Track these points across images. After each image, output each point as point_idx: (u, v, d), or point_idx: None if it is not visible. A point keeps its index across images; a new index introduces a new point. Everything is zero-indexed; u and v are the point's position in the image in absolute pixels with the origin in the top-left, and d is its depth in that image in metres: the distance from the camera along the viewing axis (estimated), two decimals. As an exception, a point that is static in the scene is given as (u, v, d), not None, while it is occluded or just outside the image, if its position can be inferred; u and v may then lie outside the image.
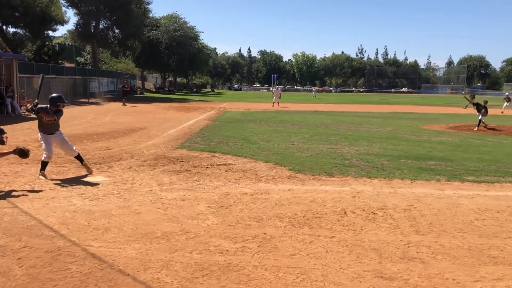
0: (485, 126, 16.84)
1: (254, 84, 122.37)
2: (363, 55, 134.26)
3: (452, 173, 7.91)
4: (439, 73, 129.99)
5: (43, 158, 7.17)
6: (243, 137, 12.62)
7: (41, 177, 6.97)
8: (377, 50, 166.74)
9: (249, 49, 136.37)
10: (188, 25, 61.58)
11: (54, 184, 6.67)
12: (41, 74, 8.53)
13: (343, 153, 9.95)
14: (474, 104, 16.91)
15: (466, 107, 33.43)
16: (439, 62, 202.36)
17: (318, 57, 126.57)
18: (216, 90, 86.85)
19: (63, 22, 41.82)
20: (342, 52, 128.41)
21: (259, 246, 4.31)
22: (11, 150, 6.68)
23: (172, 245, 4.28)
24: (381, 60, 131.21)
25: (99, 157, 8.90)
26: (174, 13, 62.54)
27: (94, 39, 44.48)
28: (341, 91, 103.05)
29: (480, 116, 16.55)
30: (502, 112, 28.06)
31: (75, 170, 7.72)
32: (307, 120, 19.88)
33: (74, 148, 7.59)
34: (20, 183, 6.66)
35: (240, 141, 11.73)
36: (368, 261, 3.99)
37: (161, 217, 5.14)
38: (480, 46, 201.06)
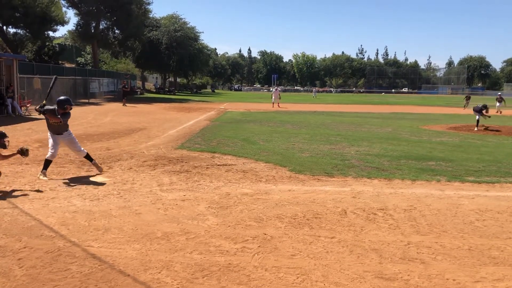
0: (483, 126, 16.83)
1: (254, 84, 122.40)
2: (363, 55, 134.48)
3: (452, 174, 7.91)
4: (439, 74, 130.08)
5: (47, 156, 7.18)
6: (243, 137, 12.62)
7: (41, 177, 6.97)
8: (377, 50, 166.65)
9: (249, 49, 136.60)
10: (188, 25, 61.60)
11: (54, 184, 6.67)
12: (54, 76, 8.55)
13: (343, 154, 9.95)
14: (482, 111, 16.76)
15: (465, 108, 33.57)
16: (440, 63, 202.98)
17: (318, 58, 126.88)
18: (216, 91, 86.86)
19: (63, 22, 41.89)
20: (342, 52, 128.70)
21: (259, 246, 4.31)
22: (15, 152, 6.73)
23: (172, 246, 4.27)
24: (381, 60, 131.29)
25: (99, 157, 8.89)
26: (175, 14, 62.61)
27: (94, 39, 44.51)
28: (341, 92, 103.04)
29: (477, 116, 16.55)
30: (499, 112, 27.96)
31: (75, 171, 7.72)
32: (307, 120, 19.88)
33: (82, 148, 7.61)
34: (20, 184, 6.66)
35: (241, 141, 11.73)
36: (369, 262, 3.99)
37: (161, 218, 5.13)
38: (480, 47, 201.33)
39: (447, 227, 5.00)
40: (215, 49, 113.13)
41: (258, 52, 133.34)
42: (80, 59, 58.46)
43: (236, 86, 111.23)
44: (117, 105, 29.01)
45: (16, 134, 12.40)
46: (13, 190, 6.26)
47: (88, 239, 4.40)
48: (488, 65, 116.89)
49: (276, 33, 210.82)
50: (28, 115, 19.60)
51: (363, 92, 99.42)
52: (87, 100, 31.56)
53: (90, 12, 42.72)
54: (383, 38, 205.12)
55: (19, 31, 39.93)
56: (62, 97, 7.38)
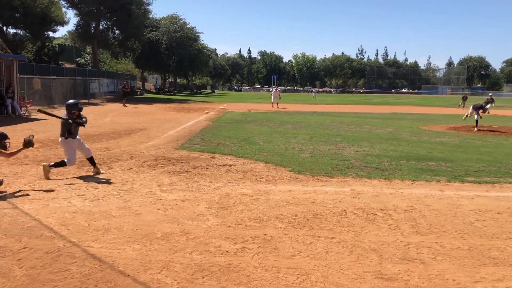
0: (483, 126, 16.83)
1: (254, 85, 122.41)
2: (363, 56, 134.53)
3: (452, 174, 7.91)
4: (439, 74, 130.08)
5: (66, 161, 7.22)
6: (243, 138, 12.62)
7: (46, 168, 6.97)
8: (377, 51, 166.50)
9: (249, 50, 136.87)
10: (188, 26, 61.61)
11: (54, 185, 6.67)
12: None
13: (343, 154, 9.95)
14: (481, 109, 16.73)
15: (459, 107, 33.59)
16: (439, 63, 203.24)
17: (318, 58, 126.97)
18: (216, 91, 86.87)
19: (63, 23, 41.88)
20: (342, 53, 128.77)
21: (259, 247, 4.31)
22: (21, 147, 6.77)
23: (172, 246, 4.27)
24: (381, 61, 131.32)
25: (99, 158, 8.89)
26: (174, 14, 62.60)
27: (94, 40, 44.52)
28: (341, 92, 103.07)
29: (476, 116, 16.54)
30: (487, 112, 27.85)
31: (75, 171, 7.72)
32: (307, 120, 19.88)
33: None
34: (20, 184, 6.65)
35: (240, 142, 11.74)
36: (369, 262, 3.99)
37: (161, 218, 5.13)
38: (480, 47, 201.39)
39: (447, 227, 5.00)
40: (215, 49, 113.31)
41: (258, 53, 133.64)
42: (80, 60, 58.47)
43: (236, 87, 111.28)
44: (117, 106, 29.02)
45: (16, 134, 12.39)
46: (13, 191, 6.25)
47: (88, 239, 4.40)
48: (488, 66, 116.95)
49: (276, 34, 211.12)
50: (28, 116, 19.61)
51: (363, 92, 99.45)
52: (87, 101, 31.54)
53: (90, 12, 42.74)
54: (383, 38, 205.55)
55: (19, 31, 39.96)
56: (70, 101, 7.42)
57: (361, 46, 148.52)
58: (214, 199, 5.99)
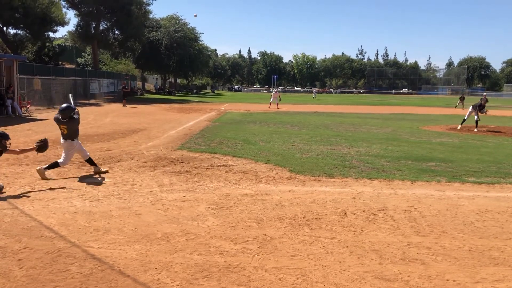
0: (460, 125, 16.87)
1: (255, 85, 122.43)
2: (363, 56, 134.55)
3: (452, 174, 7.91)
4: (439, 74, 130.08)
5: (60, 161, 7.28)
6: (243, 138, 12.62)
7: (41, 171, 7.00)
8: (377, 51, 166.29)
9: (249, 50, 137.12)
10: (188, 26, 61.58)
11: (54, 185, 6.67)
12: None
13: (343, 154, 9.95)
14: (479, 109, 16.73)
15: (462, 108, 33.60)
16: (439, 63, 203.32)
17: (318, 58, 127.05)
18: (216, 91, 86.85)
19: (63, 23, 41.89)
20: (342, 53, 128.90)
21: (259, 247, 4.31)
22: (32, 147, 7.00)
23: (172, 246, 4.27)
24: (381, 61, 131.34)
25: (99, 158, 8.89)
26: (175, 14, 62.59)
27: (95, 40, 44.53)
28: (341, 92, 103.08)
29: (476, 117, 16.55)
30: (486, 113, 27.77)
31: (75, 171, 7.72)
32: (307, 121, 19.88)
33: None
34: (20, 184, 6.65)
35: (241, 142, 11.74)
36: (369, 262, 3.99)
37: (161, 218, 5.13)
38: (480, 47, 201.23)
39: (447, 227, 5.00)
40: (215, 50, 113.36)
41: (258, 53, 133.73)
42: (80, 60, 58.52)
43: (236, 87, 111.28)
44: (117, 106, 29.03)
45: (16, 135, 12.39)
46: (13, 191, 6.25)
47: (88, 240, 4.40)
48: (488, 66, 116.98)
49: (276, 34, 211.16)
50: (28, 116, 19.61)
51: (363, 92, 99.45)
52: (87, 101, 31.56)
53: (90, 13, 42.75)
54: (383, 38, 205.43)
55: (19, 31, 39.96)
56: (63, 105, 7.41)
57: (361, 46, 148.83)
58: (214, 200, 5.99)
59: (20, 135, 12.42)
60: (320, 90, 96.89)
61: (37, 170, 7.07)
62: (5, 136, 6.40)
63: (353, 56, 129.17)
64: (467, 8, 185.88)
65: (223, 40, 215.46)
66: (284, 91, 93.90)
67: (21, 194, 6.12)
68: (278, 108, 30.73)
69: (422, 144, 12.20)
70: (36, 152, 7.09)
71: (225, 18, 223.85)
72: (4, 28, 38.48)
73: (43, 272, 3.66)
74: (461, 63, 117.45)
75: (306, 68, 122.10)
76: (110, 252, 4.10)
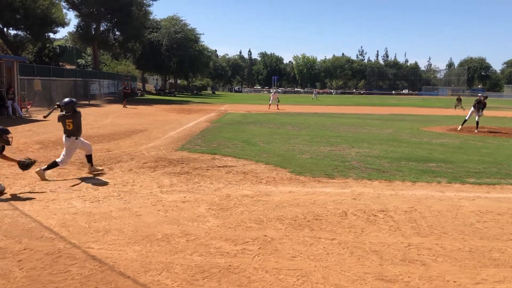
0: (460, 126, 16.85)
1: (255, 86, 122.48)
2: (363, 57, 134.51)
3: (453, 175, 7.90)
4: (440, 75, 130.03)
5: (59, 161, 7.26)
6: (243, 139, 12.62)
7: (40, 173, 7.01)
8: (377, 52, 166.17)
9: (249, 51, 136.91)
10: (188, 27, 61.58)
11: (55, 186, 6.67)
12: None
13: (343, 155, 9.95)
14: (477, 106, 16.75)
15: (456, 108, 33.60)
16: (440, 64, 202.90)
17: (318, 59, 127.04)
18: (216, 92, 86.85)
19: (63, 24, 41.90)
20: (343, 54, 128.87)
21: (259, 248, 4.31)
22: (16, 159, 6.83)
23: (173, 247, 4.27)
24: (381, 62, 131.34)
25: (99, 159, 8.89)
26: (175, 15, 62.59)
27: (95, 41, 44.56)
28: (342, 93, 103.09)
29: (477, 118, 16.54)
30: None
31: (75, 172, 7.72)
32: (308, 122, 19.88)
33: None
34: (21, 185, 6.66)
35: (241, 143, 11.74)
36: (369, 263, 3.98)
37: (161, 219, 5.13)
38: (481, 48, 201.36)
39: (448, 228, 5.00)
40: (216, 50, 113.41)
41: (258, 54, 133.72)
42: (81, 61, 58.53)
43: (236, 88, 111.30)
44: (118, 107, 29.03)
45: (17, 135, 12.39)
46: (14, 192, 6.25)
47: (88, 240, 4.40)
48: (488, 67, 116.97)
49: (276, 35, 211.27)
50: (28, 117, 19.61)
51: (363, 93, 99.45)
52: (87, 102, 31.58)
53: (91, 13, 42.77)
54: (383, 39, 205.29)
55: (19, 32, 39.98)
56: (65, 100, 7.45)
57: (361, 47, 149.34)
58: (214, 200, 5.99)
59: (20, 136, 12.42)
60: (321, 91, 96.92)
61: (36, 172, 7.06)
62: (5, 131, 6.39)
63: (354, 57, 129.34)
64: (467, 8, 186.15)
65: (224, 41, 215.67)
66: (285, 92, 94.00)
67: (22, 195, 6.12)
68: (278, 109, 30.74)
69: (422, 145, 12.20)
70: (18, 165, 6.83)
71: (225, 19, 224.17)
72: (5, 29, 38.51)
73: (43, 273, 3.66)
74: (461, 64, 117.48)
75: (306, 69, 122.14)
76: (110, 253, 4.10)
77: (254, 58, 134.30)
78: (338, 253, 4.21)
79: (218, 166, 8.40)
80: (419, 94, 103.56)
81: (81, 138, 7.57)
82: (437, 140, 13.39)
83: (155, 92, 62.90)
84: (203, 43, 66.30)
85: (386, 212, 5.58)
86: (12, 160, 6.86)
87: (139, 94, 51.80)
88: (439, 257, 4.16)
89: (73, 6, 42.32)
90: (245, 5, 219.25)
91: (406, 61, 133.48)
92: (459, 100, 35.76)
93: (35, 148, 10.25)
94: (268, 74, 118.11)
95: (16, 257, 3.98)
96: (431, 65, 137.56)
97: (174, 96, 57.40)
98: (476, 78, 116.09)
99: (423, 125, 18.94)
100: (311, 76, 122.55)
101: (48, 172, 7.24)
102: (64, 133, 7.38)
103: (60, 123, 7.37)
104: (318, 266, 3.90)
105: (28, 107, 21.18)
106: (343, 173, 7.91)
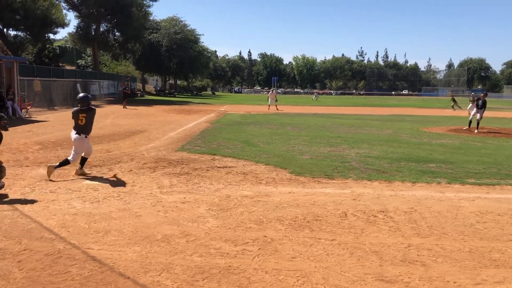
0: (467, 127, 16.80)
1: (255, 86, 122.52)
2: (363, 57, 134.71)
3: (452, 176, 7.90)
4: (440, 76, 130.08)
5: (70, 158, 7.37)
6: (243, 139, 12.62)
7: (50, 170, 7.14)
8: (377, 52, 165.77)
9: (249, 51, 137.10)
10: (188, 28, 61.60)
11: (54, 186, 6.67)
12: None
13: (343, 156, 9.95)
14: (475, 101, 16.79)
15: (455, 109, 33.59)
16: (440, 65, 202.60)
17: (318, 60, 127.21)
18: (216, 93, 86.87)
19: (63, 25, 41.88)
20: (343, 54, 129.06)
21: (259, 249, 4.30)
22: None
23: (173, 248, 4.27)
24: (381, 62, 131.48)
25: (99, 159, 8.89)
26: (175, 16, 62.62)
27: (95, 41, 44.56)
28: (342, 94, 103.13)
29: (478, 117, 16.53)
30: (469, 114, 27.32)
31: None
32: (308, 122, 19.88)
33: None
34: (21, 186, 6.65)
35: (241, 143, 11.74)
36: (369, 264, 3.98)
37: (161, 220, 5.13)
38: (480, 49, 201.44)
39: (448, 229, 4.99)
40: (215, 51, 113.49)
41: (258, 55, 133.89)
42: (81, 62, 58.50)
43: (236, 89, 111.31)
44: (118, 107, 29.03)
45: (17, 136, 12.40)
46: (13, 193, 6.25)
47: (88, 241, 4.40)
48: (488, 67, 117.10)
49: (276, 36, 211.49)
50: (28, 118, 19.62)
51: (363, 94, 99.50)
52: (87, 102, 31.53)
53: (91, 14, 42.76)
54: (383, 40, 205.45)
55: (19, 33, 39.97)
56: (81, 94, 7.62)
57: (361, 48, 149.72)
58: (214, 201, 5.99)
59: (20, 137, 12.42)
60: (320, 91, 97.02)
61: (48, 167, 7.20)
62: (1, 117, 6.33)
63: (353, 58, 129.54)
64: (467, 9, 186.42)
65: (223, 41, 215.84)
66: (284, 93, 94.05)
67: (21, 195, 6.11)
68: (277, 109, 30.53)
69: (422, 145, 12.20)
70: None
71: (225, 20, 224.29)
72: (5, 30, 38.50)
73: (43, 273, 3.66)
74: (461, 65, 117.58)
75: (306, 69, 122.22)
76: (110, 253, 4.10)
77: (254, 59, 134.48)
78: (338, 254, 4.21)
79: (218, 167, 8.40)
80: (419, 94, 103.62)
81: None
82: (437, 141, 13.39)
83: (155, 92, 62.90)
84: (203, 43, 66.42)
85: (386, 212, 5.58)
86: None
87: (139, 94, 51.79)
88: (439, 258, 4.16)
89: (73, 6, 42.34)
90: (245, 5, 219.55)
91: (406, 61, 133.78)
92: (454, 100, 35.67)
93: (35, 149, 10.25)
94: (268, 74, 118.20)
95: (16, 257, 3.98)
96: (431, 65, 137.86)
97: (174, 96, 57.40)
98: (476, 79, 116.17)
99: (423, 126, 18.95)
100: (311, 77, 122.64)
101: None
102: (74, 129, 7.38)
103: (73, 120, 7.41)
104: (318, 267, 3.90)
105: (28, 107, 21.17)
106: (343, 174, 7.91)
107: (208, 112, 26.87)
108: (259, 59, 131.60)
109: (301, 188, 6.86)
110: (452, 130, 17.20)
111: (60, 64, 46.38)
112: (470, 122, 17.05)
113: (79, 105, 7.34)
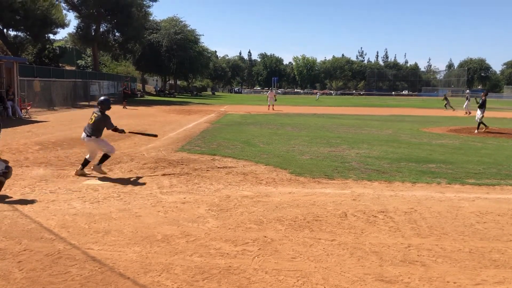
0: (485, 127, 16.75)
1: (255, 87, 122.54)
2: (363, 58, 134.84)
3: (452, 176, 7.90)
4: (440, 76, 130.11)
5: (107, 152, 7.82)
6: (243, 140, 12.62)
7: (97, 169, 7.44)
8: (377, 53, 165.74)
9: (249, 52, 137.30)
10: (188, 28, 61.67)
11: (54, 187, 6.67)
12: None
13: (343, 156, 9.95)
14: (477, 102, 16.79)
15: (450, 109, 33.61)
16: (440, 65, 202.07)
17: (318, 60, 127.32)
18: (216, 93, 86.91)
19: (63, 25, 41.93)
20: (343, 55, 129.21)
21: (259, 249, 4.30)
22: None
23: (173, 248, 4.27)
24: (381, 63, 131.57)
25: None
26: (175, 16, 62.74)
27: (95, 42, 44.59)
28: (342, 94, 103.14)
29: (479, 115, 16.51)
30: (467, 113, 27.01)
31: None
32: (308, 122, 19.88)
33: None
34: (21, 186, 6.65)
35: (241, 144, 11.73)
36: (369, 264, 3.98)
37: (161, 220, 5.13)
38: (480, 49, 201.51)
39: (448, 229, 4.99)
40: (215, 51, 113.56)
41: (258, 55, 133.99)
42: (81, 62, 58.52)
43: (236, 89, 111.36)
44: (118, 108, 29.00)
45: (17, 136, 12.40)
46: (13, 193, 6.25)
47: (88, 241, 4.40)
48: (488, 68, 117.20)
49: (276, 36, 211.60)
50: (28, 118, 19.62)
51: (363, 94, 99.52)
52: (87, 103, 31.58)
53: (91, 14, 42.78)
54: (383, 40, 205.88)
55: (19, 33, 40.03)
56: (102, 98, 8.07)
57: (361, 48, 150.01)
58: (214, 201, 5.99)
59: (20, 137, 12.42)
60: (321, 92, 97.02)
61: (93, 169, 7.51)
62: None
63: (353, 58, 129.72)
64: (467, 9, 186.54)
65: (223, 41, 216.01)
66: (284, 93, 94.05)
67: (21, 196, 6.11)
68: (273, 109, 30.15)
69: (422, 145, 12.20)
70: None
71: (225, 20, 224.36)
72: (5, 30, 38.53)
73: (43, 274, 3.66)
74: (461, 65, 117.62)
75: (306, 70, 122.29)
76: (110, 254, 4.10)
77: (254, 59, 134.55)
78: (338, 254, 4.21)
79: (218, 167, 8.40)
80: (419, 95, 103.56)
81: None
82: (437, 141, 13.39)
83: (155, 93, 62.91)
84: (203, 44, 66.51)
85: (386, 213, 5.58)
86: None
87: (139, 95, 51.79)
88: (439, 258, 4.16)
89: (73, 7, 42.36)
90: (245, 6, 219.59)
91: (406, 62, 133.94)
92: (446, 99, 35.54)
93: (35, 149, 10.24)
94: (268, 75, 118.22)
95: (16, 258, 3.97)
96: (431, 66, 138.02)
97: (174, 97, 57.43)
98: (476, 79, 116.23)
99: (423, 126, 18.95)
100: (311, 77, 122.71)
101: (49, 173, 7.24)
102: (85, 131, 7.71)
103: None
104: (318, 267, 3.90)
105: (28, 108, 21.17)
106: (343, 174, 7.91)
107: (208, 112, 26.88)
108: (259, 59, 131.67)
109: (301, 188, 6.86)
110: (452, 130, 17.20)
111: (60, 65, 46.41)
112: (480, 123, 16.87)
113: (99, 107, 7.86)
